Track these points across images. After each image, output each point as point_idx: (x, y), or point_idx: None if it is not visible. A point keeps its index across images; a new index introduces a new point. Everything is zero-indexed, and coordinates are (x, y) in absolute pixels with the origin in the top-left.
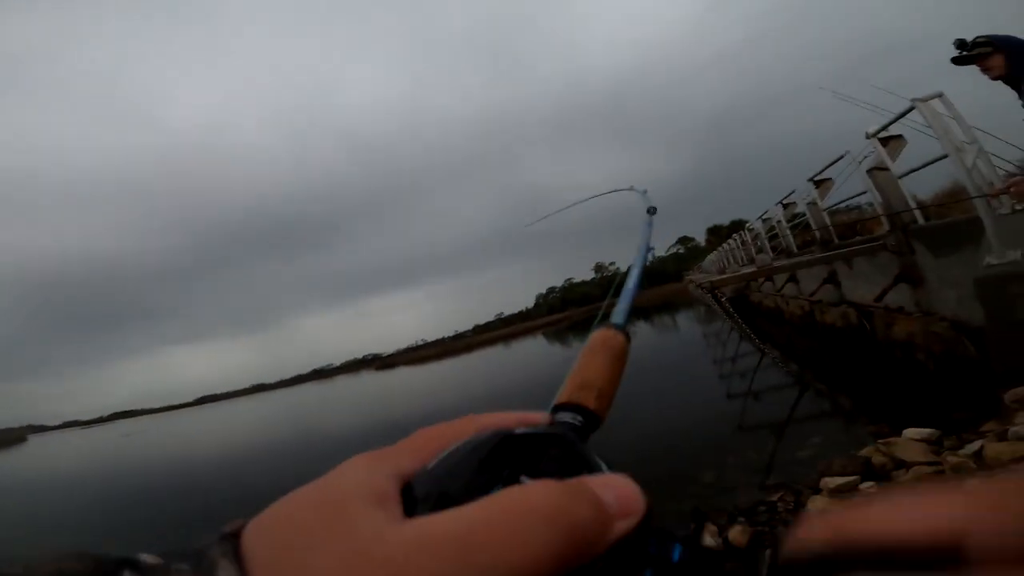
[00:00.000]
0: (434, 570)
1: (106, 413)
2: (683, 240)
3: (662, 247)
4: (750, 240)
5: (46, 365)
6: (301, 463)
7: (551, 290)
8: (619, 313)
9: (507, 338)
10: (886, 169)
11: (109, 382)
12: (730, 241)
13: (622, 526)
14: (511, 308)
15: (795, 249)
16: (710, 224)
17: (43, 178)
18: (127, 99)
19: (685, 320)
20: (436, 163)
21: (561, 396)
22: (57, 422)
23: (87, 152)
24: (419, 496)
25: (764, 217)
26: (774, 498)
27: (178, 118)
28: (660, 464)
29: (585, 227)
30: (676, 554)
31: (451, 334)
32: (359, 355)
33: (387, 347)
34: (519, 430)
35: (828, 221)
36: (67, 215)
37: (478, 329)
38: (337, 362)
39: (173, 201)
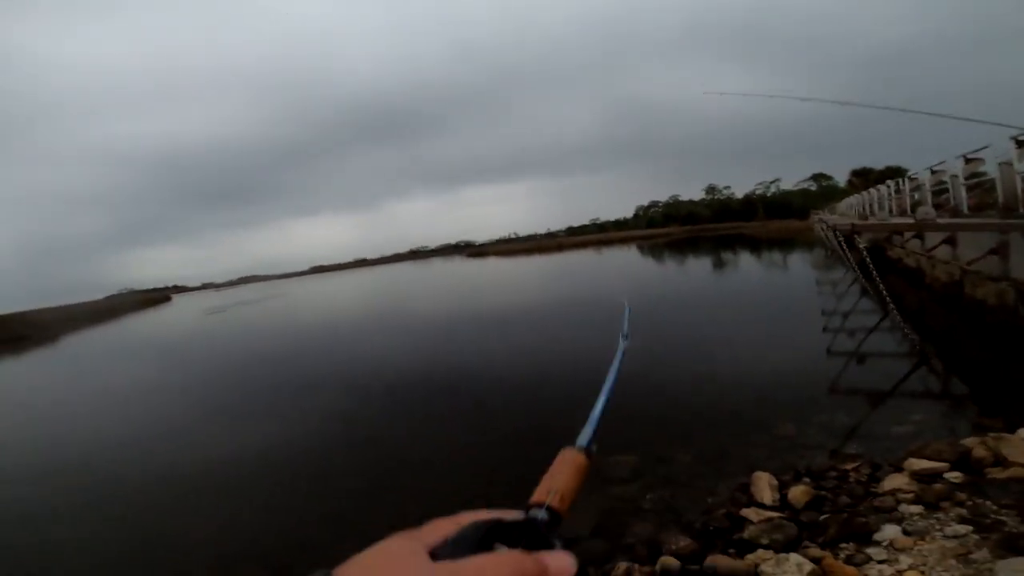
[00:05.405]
0: None
1: (235, 277)
2: (818, 176)
3: (790, 180)
4: (908, 190)
5: (187, 233)
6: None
7: (653, 204)
8: (584, 436)
9: (599, 244)
10: None
11: (239, 249)
12: (880, 187)
13: None
14: (607, 215)
15: (965, 210)
16: (854, 166)
17: (187, 73)
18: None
19: (799, 262)
20: (543, 65)
21: (534, 496)
22: (196, 284)
23: (225, 50)
24: (439, 557)
25: (935, 168)
26: (849, 467)
27: (299, 17)
28: (736, 405)
29: (698, 145)
30: None
31: (543, 232)
32: (453, 241)
33: (480, 236)
34: (507, 519)
35: (1022, 186)
36: (203, 106)
37: (571, 231)
38: (432, 245)
39: (294, 93)
